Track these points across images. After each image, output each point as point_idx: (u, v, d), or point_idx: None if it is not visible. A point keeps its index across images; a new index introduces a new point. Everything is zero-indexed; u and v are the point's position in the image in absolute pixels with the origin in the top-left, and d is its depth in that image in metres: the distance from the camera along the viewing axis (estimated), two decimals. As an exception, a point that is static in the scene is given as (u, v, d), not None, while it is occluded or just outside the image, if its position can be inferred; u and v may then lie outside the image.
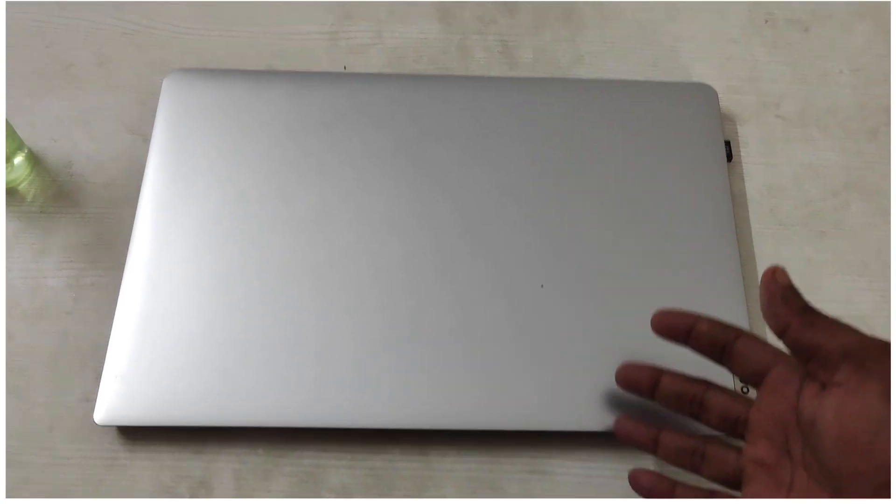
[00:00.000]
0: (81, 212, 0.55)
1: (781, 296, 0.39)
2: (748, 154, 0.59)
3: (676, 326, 0.43)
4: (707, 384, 0.43)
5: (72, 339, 0.51)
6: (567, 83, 0.59)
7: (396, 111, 0.56)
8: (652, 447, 0.44)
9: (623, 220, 0.53)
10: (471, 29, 0.63)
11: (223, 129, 0.56)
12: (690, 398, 0.43)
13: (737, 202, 0.56)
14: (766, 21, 0.64)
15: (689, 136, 0.56)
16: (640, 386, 0.45)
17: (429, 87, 0.58)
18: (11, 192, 0.56)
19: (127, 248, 0.51)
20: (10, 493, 0.47)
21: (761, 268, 0.54)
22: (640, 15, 0.64)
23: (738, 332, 0.42)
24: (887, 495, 0.33)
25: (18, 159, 0.55)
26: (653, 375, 0.44)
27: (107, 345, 0.49)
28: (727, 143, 0.56)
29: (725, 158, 0.56)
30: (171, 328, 0.49)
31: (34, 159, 0.57)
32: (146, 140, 0.57)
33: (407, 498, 0.47)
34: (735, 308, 0.51)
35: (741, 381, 0.43)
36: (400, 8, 0.64)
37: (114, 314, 0.49)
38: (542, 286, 0.51)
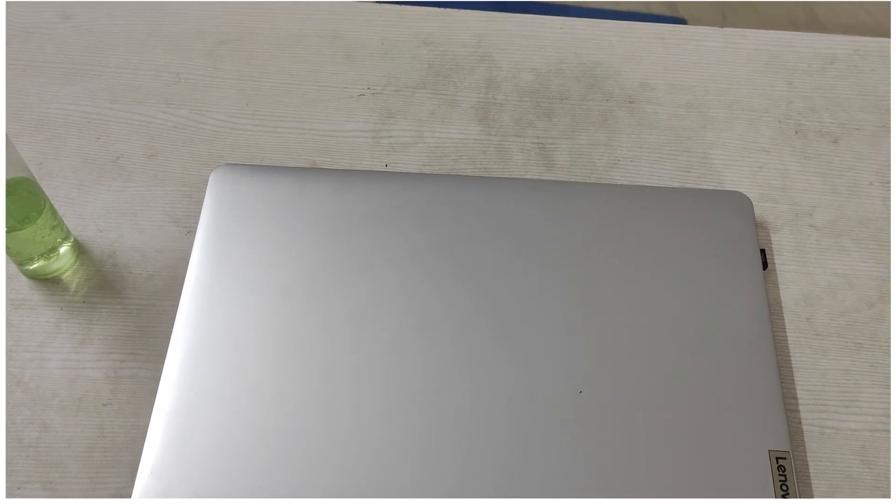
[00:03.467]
0: (123, 303, 0.56)
1: None
2: (782, 263, 0.59)
3: None
4: None
5: (108, 432, 0.51)
6: (605, 189, 0.60)
7: (437, 210, 0.57)
8: None
9: (660, 327, 0.53)
10: (509, 131, 0.65)
11: (267, 225, 0.56)
12: None
13: (772, 310, 0.57)
14: (796, 132, 0.66)
15: (724, 244, 0.57)
16: None
17: (469, 188, 0.59)
18: (55, 281, 0.56)
19: (167, 341, 0.52)
20: None
21: (800, 378, 0.55)
22: (675, 122, 0.66)
23: None
24: None
25: (64, 249, 0.56)
26: None
27: (143, 439, 0.49)
28: (762, 252, 0.57)
29: (761, 266, 0.56)
30: (209, 425, 0.49)
31: (79, 249, 0.57)
32: (191, 232, 0.58)
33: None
34: (774, 418, 0.51)
35: None
36: (440, 109, 0.66)
37: (150, 407, 0.49)
38: (580, 392, 0.51)
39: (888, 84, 0.68)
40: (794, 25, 1.78)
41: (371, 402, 0.50)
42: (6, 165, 0.49)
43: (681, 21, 1.75)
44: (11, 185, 0.51)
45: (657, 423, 0.50)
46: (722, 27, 0.72)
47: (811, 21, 1.80)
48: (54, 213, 0.54)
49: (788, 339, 0.56)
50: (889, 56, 0.70)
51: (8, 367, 0.53)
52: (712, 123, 0.66)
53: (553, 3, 1.75)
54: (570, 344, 0.53)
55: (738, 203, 0.59)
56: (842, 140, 0.65)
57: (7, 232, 0.52)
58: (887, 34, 0.80)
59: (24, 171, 0.51)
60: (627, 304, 0.54)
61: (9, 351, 0.54)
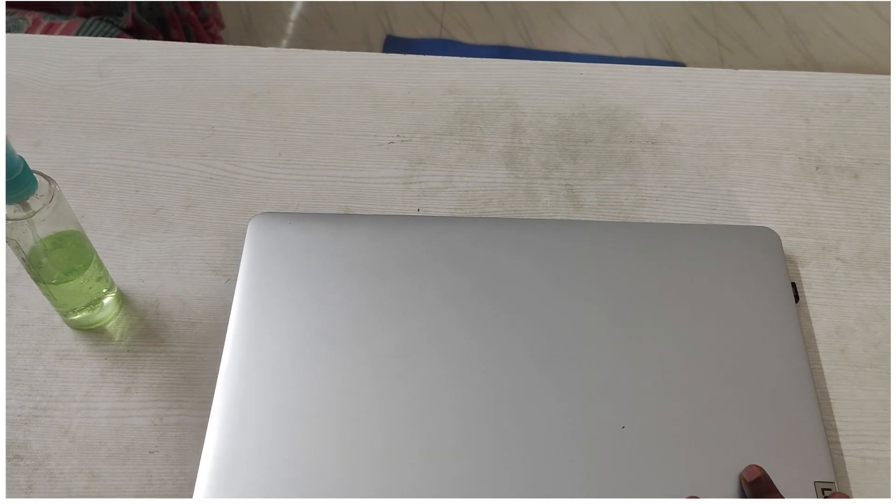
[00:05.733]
0: (167, 350, 0.56)
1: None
2: (812, 295, 0.60)
3: None
4: None
5: (156, 479, 0.51)
6: (636, 227, 0.62)
7: (471, 252, 0.59)
8: None
9: (700, 362, 0.54)
10: (537, 174, 0.66)
11: (305, 271, 0.57)
12: None
13: (806, 343, 0.57)
14: (817, 168, 0.67)
15: (755, 278, 0.58)
16: None
17: (501, 230, 0.60)
18: (100, 331, 0.57)
19: (211, 388, 0.52)
20: None
21: (838, 409, 0.55)
22: (697, 161, 0.68)
23: None
24: None
25: (108, 299, 0.57)
26: None
27: (191, 486, 0.49)
28: (793, 285, 0.58)
29: (793, 300, 0.57)
30: (255, 470, 0.49)
31: (122, 299, 0.58)
32: (230, 280, 0.59)
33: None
34: (817, 450, 0.51)
35: None
36: (468, 154, 0.68)
37: (197, 454, 0.50)
38: (623, 427, 0.52)
39: (903, 119, 0.70)
40: (792, 66, 1.82)
41: (414, 444, 0.50)
42: (58, 220, 0.51)
43: (680, 65, 1.79)
44: (61, 238, 0.52)
45: (703, 458, 0.51)
46: (736, 69, 0.74)
47: (807, 61, 1.83)
48: (100, 264, 0.55)
49: (824, 370, 0.57)
50: (901, 93, 0.72)
51: (55, 417, 0.53)
52: (734, 162, 0.68)
53: (556, 53, 1.80)
54: (610, 381, 0.53)
55: (767, 238, 0.60)
56: (862, 175, 0.67)
57: (54, 284, 0.53)
58: (882, 71, 0.82)
59: (73, 224, 0.52)
60: (666, 340, 0.55)
61: (55, 401, 0.54)
